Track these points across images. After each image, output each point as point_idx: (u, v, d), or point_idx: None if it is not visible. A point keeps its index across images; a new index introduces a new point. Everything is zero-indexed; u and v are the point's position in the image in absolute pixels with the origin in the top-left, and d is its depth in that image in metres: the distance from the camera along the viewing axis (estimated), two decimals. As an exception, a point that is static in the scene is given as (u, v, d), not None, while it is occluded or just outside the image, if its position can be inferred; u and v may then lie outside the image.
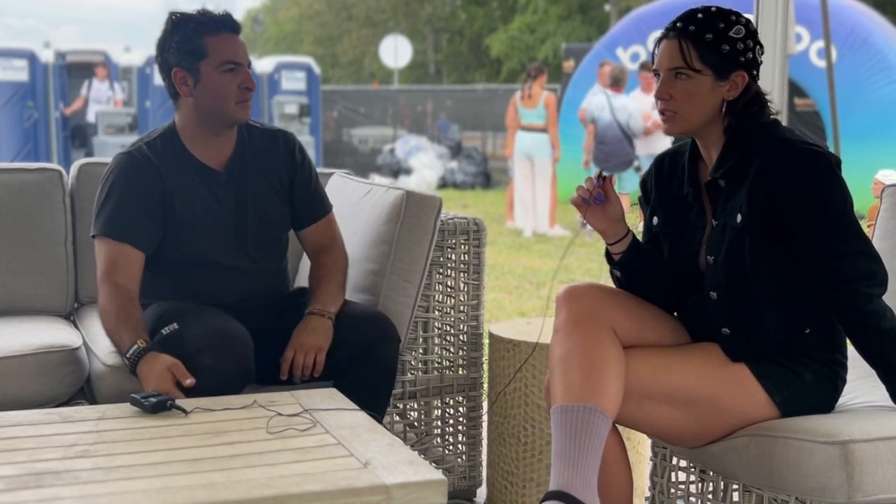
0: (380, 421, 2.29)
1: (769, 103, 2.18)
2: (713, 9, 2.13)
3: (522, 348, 2.80)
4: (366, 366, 2.42)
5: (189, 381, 2.22)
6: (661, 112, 2.15)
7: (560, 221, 10.56)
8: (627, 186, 9.03)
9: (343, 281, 2.61)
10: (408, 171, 16.16)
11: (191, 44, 2.46)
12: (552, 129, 10.02)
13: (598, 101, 9.76)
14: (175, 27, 2.50)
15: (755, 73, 2.14)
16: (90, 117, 14.22)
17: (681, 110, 2.13)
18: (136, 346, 2.31)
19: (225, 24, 2.50)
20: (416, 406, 2.95)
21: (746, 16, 2.17)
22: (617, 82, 9.76)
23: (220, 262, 2.55)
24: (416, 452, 2.02)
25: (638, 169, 9.39)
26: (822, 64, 9.22)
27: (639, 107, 9.56)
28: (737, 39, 2.09)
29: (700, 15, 2.11)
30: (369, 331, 2.48)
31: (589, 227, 2.31)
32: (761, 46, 2.15)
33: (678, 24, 2.13)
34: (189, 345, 2.30)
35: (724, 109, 2.12)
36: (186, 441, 1.87)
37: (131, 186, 2.49)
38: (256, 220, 2.59)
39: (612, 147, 9.61)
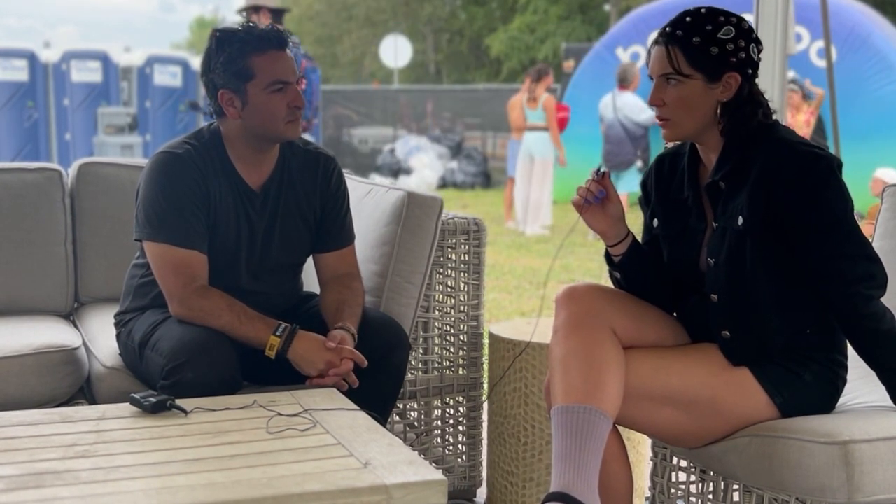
0: (384, 424, 2.29)
1: (768, 102, 2.16)
2: (703, 10, 2.10)
3: (522, 348, 2.80)
4: (378, 372, 2.37)
5: (362, 359, 2.30)
6: (659, 119, 2.15)
7: (560, 222, 10.55)
8: (629, 186, 9.02)
9: (361, 311, 2.51)
10: (408, 171, 16.15)
11: (236, 65, 2.35)
12: (553, 131, 10.00)
13: (604, 100, 9.75)
14: (219, 46, 2.38)
15: (750, 72, 2.11)
16: None
17: (675, 116, 2.12)
18: (283, 327, 2.30)
19: (271, 42, 2.37)
20: (416, 406, 2.96)
21: (746, 16, 2.16)
22: (622, 81, 9.74)
23: (229, 284, 2.43)
24: (416, 452, 2.02)
25: (641, 169, 9.37)
26: (822, 64, 9.21)
27: (638, 102, 9.51)
28: (726, 41, 2.07)
29: (688, 18, 2.09)
30: (383, 338, 2.44)
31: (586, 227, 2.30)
32: (758, 44, 2.12)
33: (667, 29, 2.11)
34: (169, 359, 2.24)
35: (719, 111, 2.11)
36: (186, 441, 1.87)
37: (185, 189, 2.38)
38: (279, 246, 2.52)
39: (614, 146, 9.59)
